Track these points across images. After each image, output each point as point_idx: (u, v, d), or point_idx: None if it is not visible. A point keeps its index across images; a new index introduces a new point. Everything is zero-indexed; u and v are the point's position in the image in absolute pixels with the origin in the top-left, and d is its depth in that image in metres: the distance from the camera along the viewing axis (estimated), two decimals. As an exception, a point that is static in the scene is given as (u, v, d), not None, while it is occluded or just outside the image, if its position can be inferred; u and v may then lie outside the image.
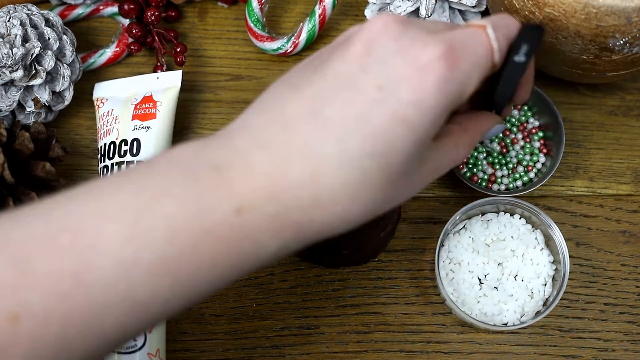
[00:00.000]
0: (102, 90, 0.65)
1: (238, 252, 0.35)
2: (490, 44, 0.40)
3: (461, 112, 0.46)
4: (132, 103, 0.63)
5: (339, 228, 0.38)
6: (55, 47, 0.61)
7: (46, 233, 0.34)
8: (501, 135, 0.64)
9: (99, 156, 0.63)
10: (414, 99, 0.37)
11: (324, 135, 0.36)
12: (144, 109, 0.63)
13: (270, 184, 0.36)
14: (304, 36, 0.67)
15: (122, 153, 0.61)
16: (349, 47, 0.39)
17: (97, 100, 0.65)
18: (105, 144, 0.62)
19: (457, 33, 0.39)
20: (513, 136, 0.64)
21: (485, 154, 0.63)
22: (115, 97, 0.64)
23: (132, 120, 0.62)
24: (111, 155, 0.61)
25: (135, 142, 0.61)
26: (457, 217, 0.58)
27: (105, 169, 0.62)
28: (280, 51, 0.67)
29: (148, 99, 0.63)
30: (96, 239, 0.33)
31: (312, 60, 0.41)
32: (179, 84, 0.64)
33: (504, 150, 0.64)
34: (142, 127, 0.62)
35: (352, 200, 0.37)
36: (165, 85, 0.64)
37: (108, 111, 0.63)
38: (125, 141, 0.61)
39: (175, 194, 0.35)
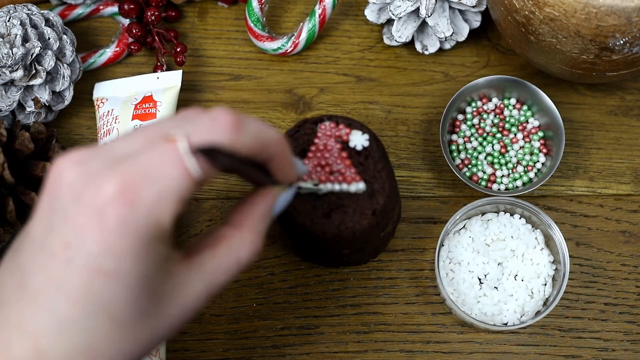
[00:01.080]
0: (102, 90, 0.65)
1: None
2: (183, 163, 0.36)
3: (232, 208, 0.43)
4: (132, 103, 0.63)
5: None
6: (55, 47, 0.61)
7: None
8: (500, 135, 0.64)
9: None
10: (102, 248, 0.34)
11: (35, 308, 0.35)
12: (144, 108, 0.63)
13: None
14: (304, 36, 0.67)
15: None
16: (39, 204, 0.37)
17: (97, 100, 0.65)
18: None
19: (140, 158, 0.36)
20: (513, 136, 0.64)
21: (485, 154, 0.63)
22: (116, 97, 0.64)
23: (132, 120, 0.62)
24: None
25: None
26: (457, 217, 0.58)
27: None
28: (281, 51, 0.67)
29: (148, 99, 0.63)
30: None
31: (33, 224, 0.38)
32: (179, 84, 0.64)
33: (504, 150, 0.64)
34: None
35: None
36: (165, 85, 0.64)
37: (108, 111, 0.63)
38: None
39: None
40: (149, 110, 0.63)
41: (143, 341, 0.37)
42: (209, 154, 0.36)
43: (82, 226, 0.35)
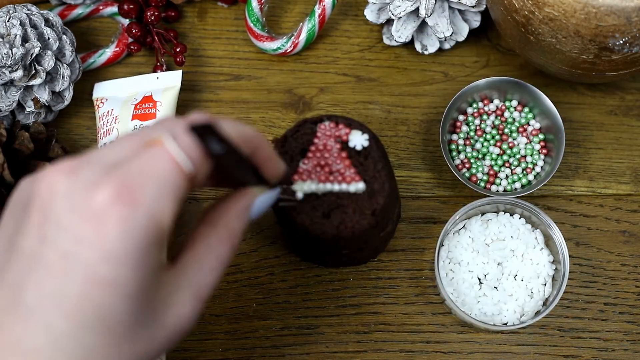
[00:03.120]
0: (102, 90, 0.65)
1: None
2: (174, 159, 0.36)
3: (209, 207, 0.43)
4: (132, 103, 0.63)
5: None
6: (55, 47, 0.61)
7: None
8: (500, 137, 0.64)
9: None
10: (101, 255, 0.34)
11: (30, 325, 0.34)
12: (144, 109, 0.63)
13: None
14: (303, 36, 0.67)
15: None
16: (27, 219, 0.35)
17: (96, 100, 0.65)
18: (105, 144, 0.62)
19: (132, 163, 0.36)
20: (513, 138, 0.64)
21: (485, 155, 0.63)
22: (115, 97, 0.64)
23: (132, 120, 0.62)
24: None
25: None
26: (457, 217, 0.58)
27: None
28: (280, 51, 0.67)
29: (148, 99, 0.63)
30: None
31: (6, 227, 0.37)
32: (179, 84, 0.64)
33: (503, 152, 0.63)
34: (141, 127, 0.62)
35: None
36: (165, 85, 0.64)
37: (108, 111, 0.63)
38: None
39: None
40: (148, 110, 0.63)
41: (139, 354, 0.36)
42: (202, 135, 0.37)
43: (80, 235, 0.34)
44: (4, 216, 0.38)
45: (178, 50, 0.66)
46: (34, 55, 0.60)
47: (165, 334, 0.37)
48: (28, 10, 0.62)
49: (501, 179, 0.63)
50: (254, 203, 0.43)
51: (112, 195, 0.34)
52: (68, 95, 0.63)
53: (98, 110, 0.64)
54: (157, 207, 0.35)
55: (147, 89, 0.64)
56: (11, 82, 0.61)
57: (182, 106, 0.66)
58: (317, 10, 0.66)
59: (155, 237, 0.35)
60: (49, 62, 0.61)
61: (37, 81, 0.60)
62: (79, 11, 0.69)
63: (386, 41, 0.67)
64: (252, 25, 0.67)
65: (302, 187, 0.52)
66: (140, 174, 0.35)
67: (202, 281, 0.39)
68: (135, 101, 0.63)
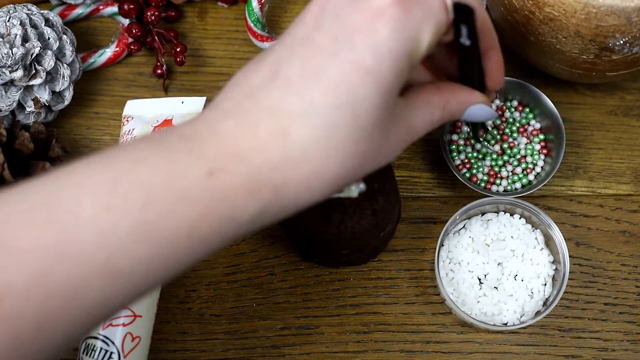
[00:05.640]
0: (131, 108, 0.65)
1: (217, 215, 0.35)
2: (445, 1, 0.40)
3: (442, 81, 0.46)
4: (153, 125, 0.63)
5: (319, 189, 0.38)
6: (55, 47, 0.61)
7: (26, 208, 0.33)
8: (499, 137, 0.64)
9: None
10: (369, 45, 0.37)
11: (286, 93, 0.37)
12: None
13: (239, 146, 0.36)
14: None
15: None
16: (305, 12, 0.39)
17: (124, 118, 0.65)
18: None
19: None
20: (513, 138, 0.64)
21: (482, 156, 0.63)
22: (141, 117, 0.64)
23: None
24: None
25: None
26: (457, 217, 0.58)
27: None
28: (280, 51, 0.67)
29: (167, 122, 0.63)
30: (74, 211, 0.33)
31: (277, 42, 0.41)
32: (201, 110, 0.64)
33: (501, 152, 0.63)
34: None
35: (326, 157, 0.37)
36: (187, 111, 0.64)
37: (129, 130, 0.63)
38: None
39: (148, 161, 0.35)
40: None
41: (367, 157, 0.39)
42: (459, 12, 0.40)
43: (355, 24, 0.37)
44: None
45: (178, 50, 0.66)
46: (34, 55, 0.60)
47: (386, 150, 0.40)
48: (28, 10, 0.62)
49: (501, 179, 0.63)
50: (474, 107, 0.46)
51: (390, 0, 0.37)
52: (68, 95, 0.63)
53: (122, 128, 0.64)
54: (423, 26, 0.38)
55: (171, 112, 0.64)
56: (11, 82, 0.61)
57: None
58: (317, 10, 0.66)
59: (411, 55, 0.38)
60: (49, 62, 0.61)
61: (37, 81, 0.60)
62: (79, 11, 0.69)
63: (386, 41, 0.67)
64: (252, 25, 0.67)
65: None
66: None
67: (415, 124, 0.42)
68: (156, 123, 0.63)
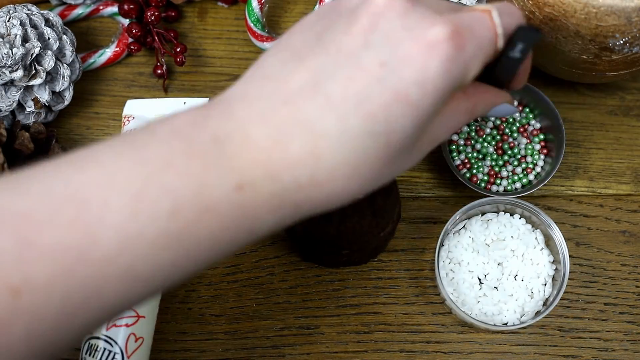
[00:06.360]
0: (132, 108, 0.65)
1: (237, 228, 0.36)
2: (495, 30, 0.40)
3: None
4: None
5: (335, 204, 0.38)
6: (55, 47, 0.61)
7: (51, 203, 0.33)
8: (499, 137, 0.64)
9: None
10: (417, 78, 0.36)
11: (325, 112, 0.36)
12: None
13: (270, 161, 0.35)
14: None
15: None
16: (354, 21, 0.38)
17: (124, 117, 0.65)
18: None
19: (464, 15, 0.39)
20: (513, 138, 0.64)
21: (482, 156, 0.63)
22: (143, 117, 0.64)
23: None
24: None
25: None
26: (457, 217, 0.58)
27: None
28: (280, 51, 0.67)
29: None
30: (102, 213, 0.33)
31: (313, 25, 0.40)
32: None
33: (503, 152, 0.63)
34: None
35: (349, 178, 0.37)
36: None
37: (130, 130, 0.63)
38: None
39: (178, 166, 0.35)
40: None
41: (388, 174, 0.39)
42: (522, 31, 0.40)
43: (406, 54, 0.36)
44: (315, 14, 0.40)
45: (178, 50, 0.66)
46: (34, 55, 0.60)
47: (408, 164, 0.41)
48: (28, 10, 0.62)
49: (501, 179, 0.63)
50: (499, 106, 0.46)
51: (447, 34, 0.37)
52: (68, 95, 0.63)
53: (123, 128, 0.64)
54: (472, 62, 0.38)
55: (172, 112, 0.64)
56: (11, 82, 0.61)
57: (182, 106, 0.66)
58: (318, 10, 0.66)
59: (458, 86, 0.38)
60: (49, 62, 0.61)
61: (37, 81, 0.60)
62: (79, 11, 0.69)
63: (386, 41, 0.67)
64: (252, 25, 0.67)
65: None
66: (471, 28, 0.38)
67: (438, 133, 0.41)
68: None
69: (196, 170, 0.35)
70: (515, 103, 0.63)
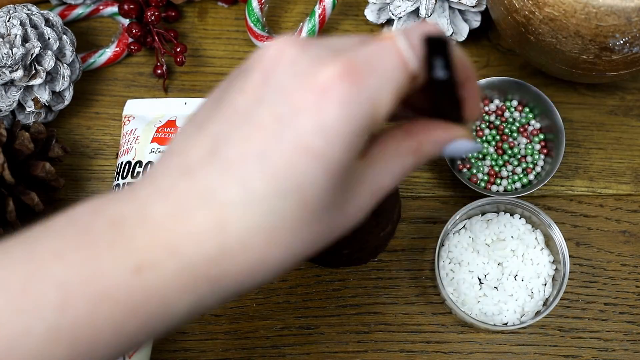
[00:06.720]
0: (132, 108, 0.65)
1: (146, 312, 0.33)
2: (401, 54, 0.36)
3: (412, 120, 0.42)
4: (156, 125, 0.63)
5: (265, 275, 0.35)
6: (55, 47, 0.61)
7: None
8: (499, 137, 0.64)
9: (115, 174, 0.62)
10: (315, 127, 0.33)
11: (225, 178, 0.33)
12: (165, 132, 0.63)
13: (171, 237, 0.33)
14: (304, 36, 0.67)
15: (135, 174, 0.61)
16: (247, 79, 0.36)
17: (124, 117, 0.65)
18: (122, 162, 0.62)
19: (361, 49, 0.36)
20: (513, 138, 0.64)
21: (482, 156, 0.63)
22: (143, 117, 0.64)
23: (151, 142, 0.62)
24: (124, 175, 0.61)
25: (149, 165, 0.61)
26: (457, 217, 0.58)
27: (117, 187, 0.62)
28: (280, 51, 0.67)
29: (171, 124, 0.63)
30: None
31: (216, 91, 0.38)
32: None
33: (503, 152, 0.63)
34: (158, 151, 0.61)
35: (267, 245, 0.34)
36: (190, 111, 0.64)
37: (131, 130, 0.63)
38: (140, 163, 0.61)
39: (68, 256, 0.33)
40: (169, 135, 0.62)
41: (319, 236, 0.36)
42: (431, 50, 0.37)
43: (299, 102, 0.34)
44: (224, 81, 0.38)
45: (178, 50, 0.66)
46: (34, 55, 0.60)
47: (344, 222, 0.37)
48: (28, 10, 0.62)
49: (501, 179, 0.63)
50: (454, 143, 0.42)
51: (339, 73, 0.34)
52: (68, 95, 0.63)
53: (123, 127, 0.64)
54: (378, 96, 0.35)
55: (174, 113, 0.64)
56: (11, 82, 0.61)
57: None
58: (318, 10, 0.66)
59: (368, 125, 0.35)
60: (49, 62, 0.61)
61: (37, 81, 0.60)
62: (79, 11, 0.69)
63: (386, 41, 0.67)
64: (252, 25, 0.67)
65: None
66: (368, 61, 0.35)
67: (381, 182, 0.38)
68: (159, 123, 0.63)
69: (87, 258, 0.33)
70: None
